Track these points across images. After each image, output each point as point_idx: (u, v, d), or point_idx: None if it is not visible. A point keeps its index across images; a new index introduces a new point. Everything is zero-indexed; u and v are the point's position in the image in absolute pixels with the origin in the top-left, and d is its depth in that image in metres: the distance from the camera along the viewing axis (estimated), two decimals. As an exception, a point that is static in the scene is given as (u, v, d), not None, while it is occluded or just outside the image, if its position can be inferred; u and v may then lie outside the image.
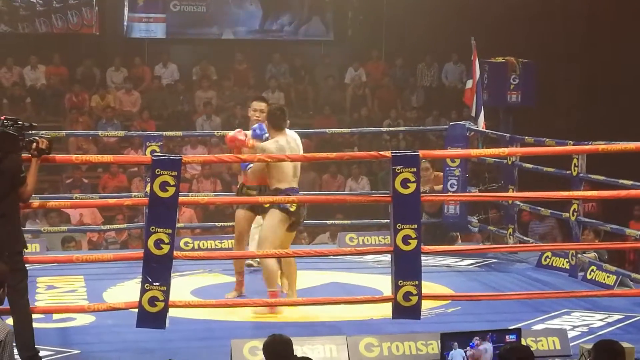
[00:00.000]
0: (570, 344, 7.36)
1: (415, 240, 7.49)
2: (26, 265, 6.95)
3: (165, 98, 18.30)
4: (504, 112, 12.26)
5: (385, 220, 9.86)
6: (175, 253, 7.32)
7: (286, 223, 8.36)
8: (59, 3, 18.67)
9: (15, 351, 6.36)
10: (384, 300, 7.87)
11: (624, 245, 10.70)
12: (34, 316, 7.10)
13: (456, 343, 6.23)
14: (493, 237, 11.78)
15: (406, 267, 7.52)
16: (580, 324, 8.14)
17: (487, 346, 6.22)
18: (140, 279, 7.29)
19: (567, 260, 10.05)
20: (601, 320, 8.28)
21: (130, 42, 19.39)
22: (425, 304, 7.87)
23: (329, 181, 16.25)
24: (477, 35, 12.35)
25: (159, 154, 9.79)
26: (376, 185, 15.78)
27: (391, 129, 16.33)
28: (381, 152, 7.92)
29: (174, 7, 19.41)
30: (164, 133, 11.39)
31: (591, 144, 9.07)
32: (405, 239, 7.49)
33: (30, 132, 7.01)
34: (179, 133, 12.72)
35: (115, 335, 7.77)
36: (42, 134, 7.19)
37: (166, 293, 7.24)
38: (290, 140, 8.50)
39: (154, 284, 7.21)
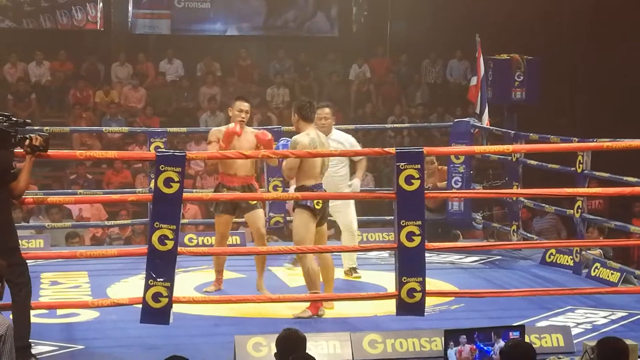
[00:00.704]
0: (574, 341, 7.34)
1: (419, 237, 7.48)
2: (27, 260, 6.94)
3: (169, 94, 18.29)
4: (509, 109, 12.23)
5: (390, 217, 9.87)
6: (179, 249, 7.31)
7: (314, 220, 8.24)
8: (63, -1, 18.72)
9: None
10: (388, 296, 7.88)
11: (628, 242, 10.68)
12: (38, 312, 7.09)
13: (464, 337, 6.24)
14: (497, 234, 11.77)
15: (410, 264, 7.51)
16: (584, 321, 8.14)
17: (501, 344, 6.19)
18: (144, 275, 7.30)
19: (571, 257, 10.03)
20: (605, 317, 8.27)
21: (134, 38, 19.40)
22: (429, 301, 7.88)
23: (333, 178, 16.20)
24: (481, 32, 12.35)
25: (163, 150, 9.79)
26: (381, 182, 15.76)
27: (395, 125, 16.33)
28: (385, 149, 7.88)
29: (179, 3, 19.43)
30: (168, 129, 11.36)
31: (596, 141, 9.04)
32: (410, 236, 7.49)
33: (24, 128, 6.96)
34: (183, 129, 12.72)
35: (119, 331, 7.76)
36: (46, 129, 7.17)
37: (170, 289, 7.24)
38: (320, 134, 8.46)
39: (158, 279, 7.22)
